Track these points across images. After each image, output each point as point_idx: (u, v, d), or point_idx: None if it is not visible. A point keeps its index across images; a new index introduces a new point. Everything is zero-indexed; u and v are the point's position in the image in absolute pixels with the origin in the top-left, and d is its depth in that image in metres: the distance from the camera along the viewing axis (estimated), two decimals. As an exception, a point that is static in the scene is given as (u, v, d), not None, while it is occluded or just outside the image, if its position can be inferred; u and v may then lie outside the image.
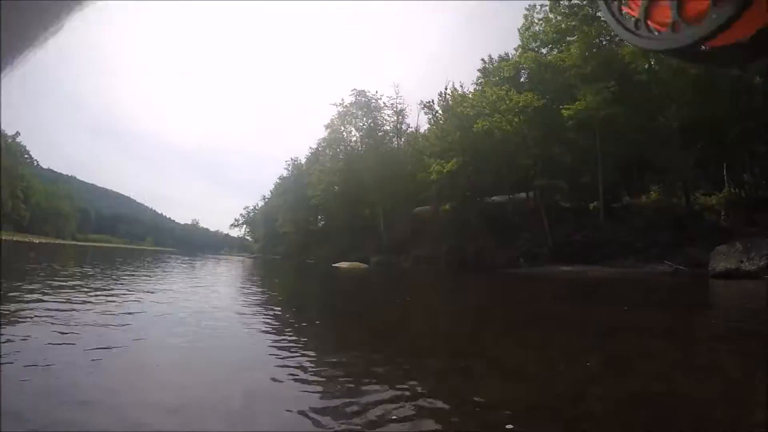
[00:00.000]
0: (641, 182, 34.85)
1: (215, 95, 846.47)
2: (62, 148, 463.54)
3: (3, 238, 46.57)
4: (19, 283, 9.43)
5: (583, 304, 13.27)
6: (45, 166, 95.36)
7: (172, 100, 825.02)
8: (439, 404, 3.71)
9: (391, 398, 3.63)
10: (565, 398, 4.12)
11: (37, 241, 54.77)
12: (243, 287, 18.15)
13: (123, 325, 6.36)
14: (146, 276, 19.72)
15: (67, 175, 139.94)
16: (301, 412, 3.34)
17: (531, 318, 10.10)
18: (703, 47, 0.38)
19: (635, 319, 9.45)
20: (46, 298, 8.28)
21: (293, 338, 6.54)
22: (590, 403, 4.07)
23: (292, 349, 5.60)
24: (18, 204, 57.34)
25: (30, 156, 64.02)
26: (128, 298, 10.47)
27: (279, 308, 10.32)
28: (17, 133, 58.04)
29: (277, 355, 5.30)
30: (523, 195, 39.40)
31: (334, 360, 5.34)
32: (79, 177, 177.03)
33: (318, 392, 4.04)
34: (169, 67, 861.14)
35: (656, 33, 0.43)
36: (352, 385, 4.01)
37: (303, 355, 5.48)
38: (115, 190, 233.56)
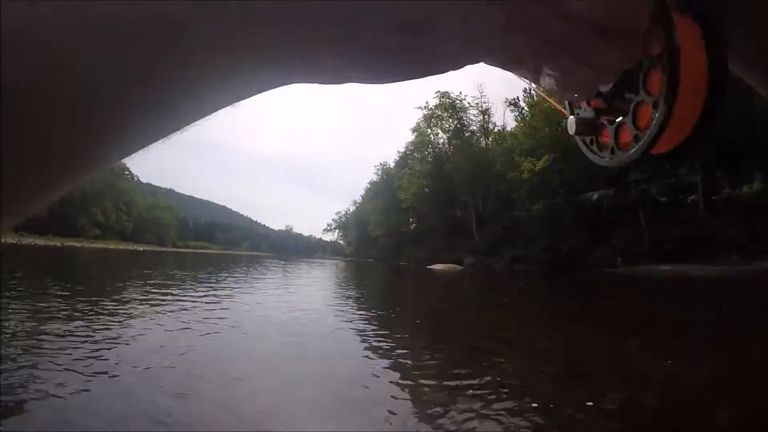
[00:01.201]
0: (743, 172, 33.26)
1: (304, 102, 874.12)
2: (160, 163, 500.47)
3: (109, 246, 52.16)
4: (148, 288, 11.05)
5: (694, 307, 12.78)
6: (145, 181, 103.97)
7: (262, 110, 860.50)
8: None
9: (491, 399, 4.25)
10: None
11: (141, 249, 60.23)
12: (339, 288, 19.77)
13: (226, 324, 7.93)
14: (245, 279, 21.99)
15: (166, 188, 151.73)
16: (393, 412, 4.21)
17: (647, 321, 10.05)
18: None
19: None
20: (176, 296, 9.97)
21: (395, 338, 7.56)
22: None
23: (390, 349, 6.60)
24: (121, 216, 64.29)
25: (130, 172, 71.50)
26: (233, 299, 12.36)
27: (379, 310, 11.61)
28: None
29: (370, 354, 6.36)
30: (616, 191, 38.62)
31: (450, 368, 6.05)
32: (177, 189, 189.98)
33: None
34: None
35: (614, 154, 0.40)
36: (457, 392, 4.58)
37: (407, 357, 6.36)
38: (211, 200, 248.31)
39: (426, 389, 4.52)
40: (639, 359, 6.17)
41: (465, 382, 4.62)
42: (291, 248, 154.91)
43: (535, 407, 3.80)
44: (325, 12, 0.20)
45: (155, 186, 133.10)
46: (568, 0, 0.24)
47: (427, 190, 67.28)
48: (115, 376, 4.38)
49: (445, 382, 4.70)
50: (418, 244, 69.30)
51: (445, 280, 28.45)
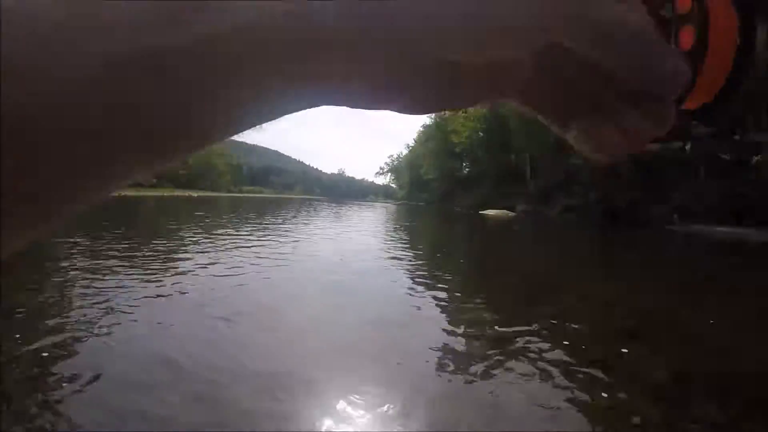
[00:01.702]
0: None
1: None
2: None
3: (164, 194, 54.36)
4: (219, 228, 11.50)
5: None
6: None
7: None
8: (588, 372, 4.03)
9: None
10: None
11: (196, 195, 62.49)
12: (391, 231, 20.21)
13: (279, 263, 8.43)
14: (300, 220, 22.76)
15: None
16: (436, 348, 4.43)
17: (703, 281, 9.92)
18: None
19: None
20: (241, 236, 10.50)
21: (443, 279, 7.83)
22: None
23: (435, 289, 6.87)
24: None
25: None
26: (288, 239, 12.99)
27: (428, 251, 11.89)
28: None
29: (413, 292, 6.67)
30: (678, 144, 36.99)
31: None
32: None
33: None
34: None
35: None
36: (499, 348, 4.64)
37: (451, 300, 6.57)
38: (264, 145, 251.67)
39: (463, 336, 4.77)
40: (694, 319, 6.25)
41: (510, 330, 4.91)
42: (343, 191, 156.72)
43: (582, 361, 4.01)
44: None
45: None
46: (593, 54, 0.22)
47: (481, 134, 66.45)
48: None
49: (486, 330, 4.98)
50: (470, 189, 69.20)
51: (497, 226, 28.58)
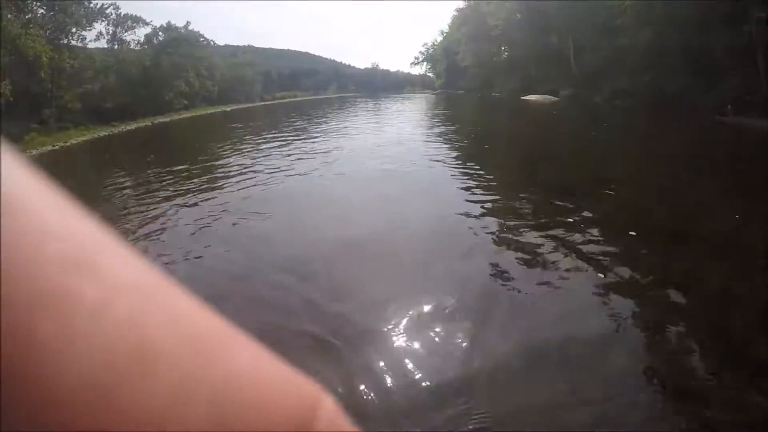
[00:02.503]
0: None
1: None
2: (234, 23, 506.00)
3: (198, 114, 55.05)
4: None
5: None
6: (221, 44, 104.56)
7: None
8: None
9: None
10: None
11: (229, 109, 62.87)
12: (436, 122, 20.04)
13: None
14: (339, 117, 22.80)
15: (244, 45, 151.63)
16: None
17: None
18: None
19: None
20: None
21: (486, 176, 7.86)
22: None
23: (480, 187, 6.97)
24: (205, 81, 66.35)
25: (205, 38, 72.80)
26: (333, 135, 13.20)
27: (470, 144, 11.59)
28: (188, 23, 67.34)
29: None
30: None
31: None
32: (256, 45, 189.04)
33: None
34: None
35: None
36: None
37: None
38: (291, 48, 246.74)
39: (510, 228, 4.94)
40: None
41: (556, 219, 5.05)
42: (379, 85, 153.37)
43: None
44: None
45: (233, 46, 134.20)
46: None
47: (518, 15, 63.40)
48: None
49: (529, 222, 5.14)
50: (510, 74, 67.51)
51: (541, 113, 28.02)
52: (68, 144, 31.54)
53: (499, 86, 68.79)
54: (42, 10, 40.34)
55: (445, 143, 11.34)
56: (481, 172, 7.97)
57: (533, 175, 8.13)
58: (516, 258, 4.36)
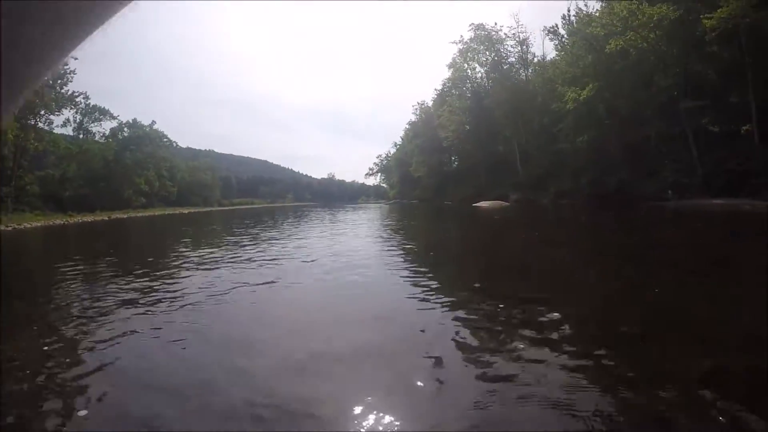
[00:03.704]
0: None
1: (327, 50, 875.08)
2: (197, 127, 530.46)
3: (156, 213, 55.11)
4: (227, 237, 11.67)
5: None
6: (184, 146, 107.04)
7: (287, 64, 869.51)
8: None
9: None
10: None
11: (187, 212, 62.97)
12: (387, 231, 20.37)
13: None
14: (293, 227, 23.02)
15: (205, 150, 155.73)
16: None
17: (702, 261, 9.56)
18: None
19: None
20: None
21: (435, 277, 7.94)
22: None
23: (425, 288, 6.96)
24: (165, 182, 67.15)
25: (168, 139, 75.06)
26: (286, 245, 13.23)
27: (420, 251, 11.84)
28: (153, 122, 70.98)
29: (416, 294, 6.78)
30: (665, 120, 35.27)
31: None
32: (217, 150, 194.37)
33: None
34: (277, 31, 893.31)
35: None
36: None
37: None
38: (251, 156, 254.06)
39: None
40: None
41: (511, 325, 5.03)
42: (335, 195, 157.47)
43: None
44: None
45: (195, 149, 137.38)
46: None
47: (467, 127, 67.24)
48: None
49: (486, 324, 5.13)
50: (462, 182, 69.85)
51: (490, 218, 28.84)
52: (22, 227, 30.74)
53: (450, 194, 70.62)
54: None
55: (394, 256, 11.70)
56: (426, 279, 8.32)
57: (482, 282, 8.37)
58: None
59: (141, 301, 6.85)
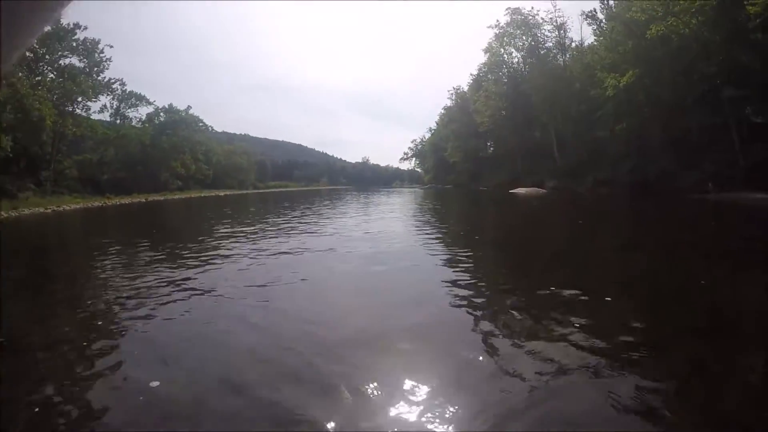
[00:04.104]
0: None
1: (364, 36, 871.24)
2: (233, 112, 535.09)
3: (192, 195, 56.18)
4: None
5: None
6: (219, 130, 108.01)
7: (324, 48, 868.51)
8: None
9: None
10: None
11: (223, 194, 64.33)
12: (426, 213, 20.54)
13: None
14: (330, 209, 23.51)
15: (240, 134, 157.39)
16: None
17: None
18: None
19: None
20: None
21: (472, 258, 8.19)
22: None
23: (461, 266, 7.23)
24: (201, 165, 68.37)
25: (204, 123, 76.30)
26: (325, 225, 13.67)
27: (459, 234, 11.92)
28: (189, 107, 72.10)
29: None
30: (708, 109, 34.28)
31: None
32: (252, 134, 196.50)
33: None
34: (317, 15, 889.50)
35: None
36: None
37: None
38: (286, 140, 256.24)
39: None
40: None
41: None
42: (368, 179, 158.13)
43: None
44: None
45: (230, 133, 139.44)
46: None
47: (503, 112, 66.48)
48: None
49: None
50: (497, 168, 69.46)
51: (530, 205, 28.79)
52: (61, 209, 32.08)
53: (485, 180, 70.37)
54: (52, 75, 42.29)
55: (440, 240, 11.84)
56: (470, 263, 8.40)
57: (541, 271, 8.32)
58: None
59: (199, 279, 7.35)
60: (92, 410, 3.48)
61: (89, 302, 6.57)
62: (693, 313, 5.38)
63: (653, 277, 7.62)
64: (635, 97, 38.49)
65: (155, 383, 3.77)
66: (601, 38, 47.65)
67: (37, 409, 3.48)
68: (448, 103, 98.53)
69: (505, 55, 67.80)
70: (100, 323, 5.52)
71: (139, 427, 3.24)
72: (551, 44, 62.74)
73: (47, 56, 40.95)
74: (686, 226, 15.96)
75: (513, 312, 5.45)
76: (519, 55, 66.43)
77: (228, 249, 11.03)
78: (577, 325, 4.69)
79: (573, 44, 61.24)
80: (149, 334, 5.06)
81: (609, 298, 5.95)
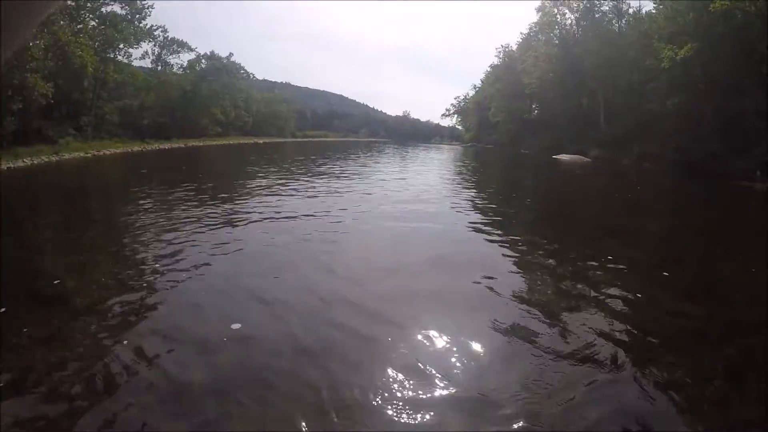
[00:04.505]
0: None
1: None
2: (275, 59, 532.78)
3: (231, 141, 59.82)
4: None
5: None
6: (260, 77, 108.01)
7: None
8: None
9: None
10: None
11: (261, 142, 64.96)
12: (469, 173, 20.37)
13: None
14: (374, 161, 23.44)
15: (281, 83, 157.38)
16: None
17: None
18: None
19: None
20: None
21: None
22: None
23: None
24: (240, 112, 69.11)
25: (245, 71, 76.28)
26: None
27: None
28: (230, 54, 72.65)
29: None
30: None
31: None
32: (293, 83, 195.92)
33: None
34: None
35: None
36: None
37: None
38: (327, 90, 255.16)
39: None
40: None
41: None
42: (408, 133, 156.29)
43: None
44: None
45: (271, 81, 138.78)
46: None
47: (552, 75, 64.71)
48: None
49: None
50: (541, 132, 68.36)
51: (573, 173, 28.33)
52: (101, 153, 32.79)
53: (527, 143, 69.46)
54: (93, 23, 42.62)
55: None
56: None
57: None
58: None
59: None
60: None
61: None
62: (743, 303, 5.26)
63: (705, 261, 7.44)
64: (691, 71, 36.90)
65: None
66: (661, 6, 45.38)
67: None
68: (495, 61, 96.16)
69: (558, 16, 65.42)
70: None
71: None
72: (607, 8, 60.08)
73: (89, 4, 41.12)
74: (734, 213, 15.57)
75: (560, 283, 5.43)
76: (573, 17, 63.87)
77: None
78: (623, 307, 4.62)
79: (630, 10, 58.50)
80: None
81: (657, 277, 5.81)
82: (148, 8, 47.63)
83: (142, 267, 6.24)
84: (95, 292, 5.31)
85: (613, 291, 5.25)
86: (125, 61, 48.62)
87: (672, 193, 20.98)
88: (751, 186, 26.55)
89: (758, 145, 30.07)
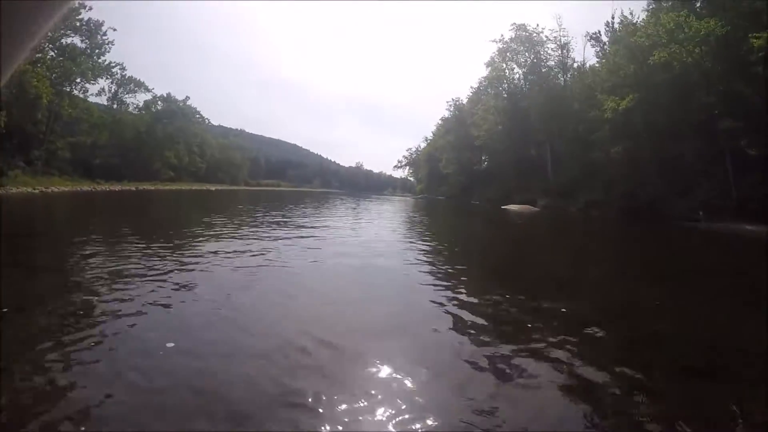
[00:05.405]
0: None
1: (365, 38, 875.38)
2: (230, 106, 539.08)
3: (183, 187, 56.23)
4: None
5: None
6: (216, 123, 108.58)
7: (324, 50, 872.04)
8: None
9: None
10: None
11: (214, 189, 64.39)
12: (421, 226, 20.42)
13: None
14: (321, 214, 23.39)
15: (236, 129, 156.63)
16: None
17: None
18: None
19: None
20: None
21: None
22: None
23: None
24: (194, 157, 68.75)
25: (201, 115, 76.24)
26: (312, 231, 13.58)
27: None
28: (187, 97, 73.09)
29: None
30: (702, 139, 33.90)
31: None
32: (248, 130, 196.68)
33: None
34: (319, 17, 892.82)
35: None
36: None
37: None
38: (281, 138, 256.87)
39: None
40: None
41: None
42: (361, 185, 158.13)
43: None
44: None
45: (226, 127, 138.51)
46: None
47: (500, 127, 66.84)
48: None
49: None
50: (490, 183, 69.67)
51: (522, 223, 28.85)
52: (49, 190, 31.64)
53: (477, 194, 70.58)
54: (53, 53, 41.59)
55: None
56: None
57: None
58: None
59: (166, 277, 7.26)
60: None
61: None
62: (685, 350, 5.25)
63: (643, 307, 7.55)
64: (632, 121, 38.65)
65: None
66: (604, 60, 48.01)
67: None
68: (446, 114, 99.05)
69: (507, 71, 68.07)
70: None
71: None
72: (553, 63, 63.19)
73: (49, 33, 40.14)
74: (678, 254, 16.02)
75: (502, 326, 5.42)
76: (520, 72, 66.69)
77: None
78: (566, 359, 4.54)
79: (575, 64, 61.79)
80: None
81: (597, 329, 5.81)
82: (108, 44, 47.02)
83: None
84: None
85: (557, 344, 5.17)
86: (81, 96, 47.81)
87: (617, 240, 21.62)
88: (694, 226, 27.30)
89: (699, 186, 31.22)
